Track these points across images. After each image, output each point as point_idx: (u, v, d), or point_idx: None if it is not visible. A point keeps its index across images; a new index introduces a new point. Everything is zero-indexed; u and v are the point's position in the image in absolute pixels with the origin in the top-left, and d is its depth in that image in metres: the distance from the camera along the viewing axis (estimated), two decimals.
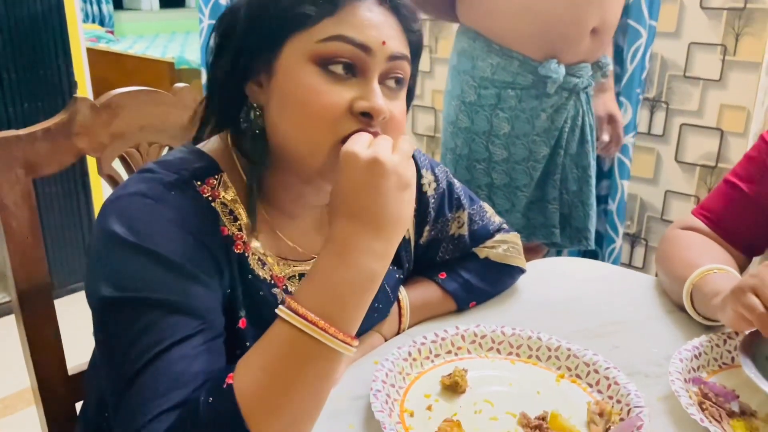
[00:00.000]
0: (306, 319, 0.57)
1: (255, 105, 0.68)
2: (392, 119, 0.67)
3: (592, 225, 1.62)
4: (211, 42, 0.71)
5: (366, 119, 0.64)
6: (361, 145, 0.61)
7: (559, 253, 2.12)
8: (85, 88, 2.35)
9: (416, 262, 0.93)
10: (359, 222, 0.59)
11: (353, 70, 0.65)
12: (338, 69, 0.64)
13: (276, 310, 0.59)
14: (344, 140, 0.64)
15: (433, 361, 0.81)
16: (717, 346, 0.83)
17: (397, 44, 0.66)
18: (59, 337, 0.91)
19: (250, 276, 0.70)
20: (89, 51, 2.57)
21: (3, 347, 2.06)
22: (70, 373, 0.91)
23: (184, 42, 5.16)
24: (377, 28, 0.65)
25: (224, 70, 0.68)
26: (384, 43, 0.65)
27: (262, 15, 0.66)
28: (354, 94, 0.64)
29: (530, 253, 1.54)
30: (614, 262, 2.12)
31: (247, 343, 0.69)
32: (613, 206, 2.07)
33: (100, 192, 2.48)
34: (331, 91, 0.64)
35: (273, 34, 0.65)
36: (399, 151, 0.61)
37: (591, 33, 1.42)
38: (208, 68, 0.72)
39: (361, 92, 0.64)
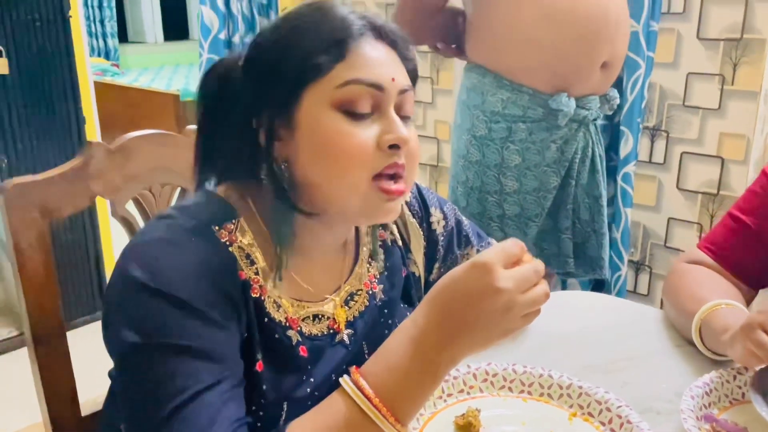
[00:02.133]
0: (371, 402, 0.58)
1: (279, 159, 0.69)
2: (410, 147, 0.70)
3: (606, 253, 1.62)
4: (201, 106, 0.73)
5: (393, 150, 0.68)
6: (502, 269, 0.58)
7: (564, 283, 2.13)
8: (92, 123, 2.38)
9: None
10: (460, 335, 0.58)
11: (371, 108, 0.68)
12: (360, 110, 0.67)
13: (341, 380, 0.60)
14: (377, 178, 0.67)
15: (445, 400, 0.81)
16: (727, 381, 0.84)
17: (403, 78, 0.70)
18: (73, 378, 0.91)
19: (266, 319, 0.70)
20: (95, 84, 2.61)
21: (11, 382, 2.06)
22: (83, 413, 0.92)
23: (188, 74, 5.22)
24: (384, 65, 0.68)
25: (236, 131, 0.70)
26: (393, 79, 0.68)
27: (274, 73, 0.67)
28: (378, 130, 0.68)
29: None
30: (620, 289, 2.12)
31: (264, 387, 0.69)
32: (617, 234, 2.08)
33: (107, 223, 2.50)
34: (358, 131, 0.66)
35: (289, 89, 0.67)
36: (533, 299, 0.59)
37: (601, 67, 1.44)
38: (206, 128, 0.74)
39: (383, 127, 0.68)
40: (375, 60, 0.68)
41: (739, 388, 0.84)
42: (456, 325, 0.58)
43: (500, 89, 1.46)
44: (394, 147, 0.67)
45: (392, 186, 0.68)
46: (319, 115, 0.67)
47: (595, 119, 1.51)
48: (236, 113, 0.70)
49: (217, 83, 0.72)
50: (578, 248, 1.59)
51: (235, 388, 0.63)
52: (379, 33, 0.70)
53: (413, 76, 0.74)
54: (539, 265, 0.60)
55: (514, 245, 0.60)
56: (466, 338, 0.58)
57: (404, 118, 0.70)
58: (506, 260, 0.58)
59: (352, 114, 0.67)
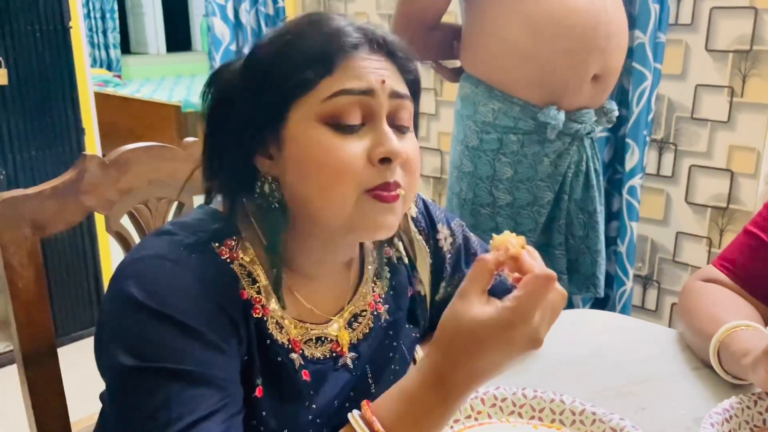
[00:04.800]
0: None
1: (270, 178, 0.66)
2: (407, 159, 0.66)
3: (601, 272, 1.58)
4: (206, 115, 0.69)
5: (385, 164, 0.64)
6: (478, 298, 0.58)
7: (569, 299, 2.09)
8: (92, 135, 2.36)
9: (432, 319, 0.90)
10: (479, 372, 0.58)
11: (362, 119, 0.64)
12: (347, 121, 0.63)
13: (350, 416, 0.58)
14: (369, 191, 0.63)
15: (452, 426, 0.77)
16: (747, 407, 0.80)
17: (396, 83, 0.66)
18: (64, 399, 0.88)
19: (268, 341, 0.67)
20: (97, 95, 2.59)
21: (6, 397, 2.02)
22: None
23: (190, 85, 5.23)
24: (374, 71, 0.65)
25: (231, 146, 0.67)
26: (384, 81, 0.64)
27: (261, 87, 0.64)
28: (368, 143, 0.64)
29: None
30: (625, 305, 2.08)
31: (263, 413, 0.66)
32: (622, 248, 2.04)
33: (106, 237, 2.47)
34: (346, 145, 0.63)
35: (275, 104, 0.64)
36: (546, 327, 0.59)
37: (592, 79, 1.41)
38: (207, 143, 0.70)
39: (374, 139, 0.64)
40: (364, 68, 0.64)
41: (761, 414, 0.80)
42: (483, 370, 0.57)
43: (492, 99, 1.43)
44: (385, 161, 0.64)
45: (385, 193, 0.64)
46: (305, 131, 0.63)
47: (589, 133, 1.48)
48: (233, 126, 0.66)
49: (219, 90, 0.68)
50: (572, 265, 1.56)
51: (234, 417, 0.60)
52: (377, 45, 0.66)
53: (414, 88, 0.70)
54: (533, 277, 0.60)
55: (481, 267, 0.60)
56: (488, 377, 0.58)
57: (401, 128, 0.67)
58: (482, 287, 0.59)
59: (339, 126, 0.63)
